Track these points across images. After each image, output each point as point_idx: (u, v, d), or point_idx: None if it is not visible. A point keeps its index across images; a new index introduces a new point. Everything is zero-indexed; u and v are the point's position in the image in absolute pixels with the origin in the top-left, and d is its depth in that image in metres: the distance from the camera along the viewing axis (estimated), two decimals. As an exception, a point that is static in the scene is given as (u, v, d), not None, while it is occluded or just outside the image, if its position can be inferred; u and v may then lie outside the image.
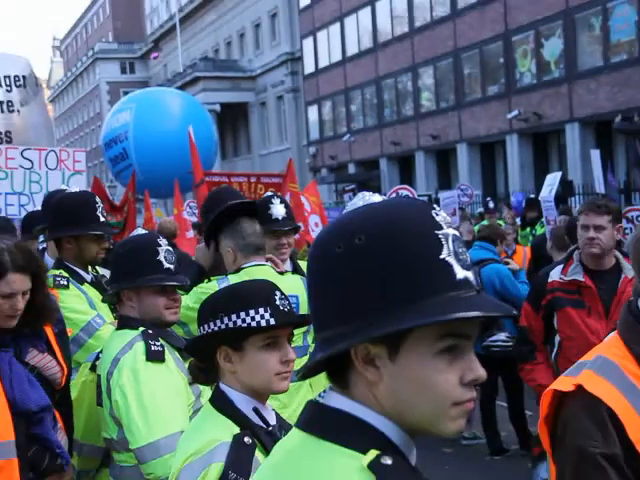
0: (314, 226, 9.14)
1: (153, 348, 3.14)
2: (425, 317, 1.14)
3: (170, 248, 3.17)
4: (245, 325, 2.33)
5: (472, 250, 8.12)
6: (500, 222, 12.26)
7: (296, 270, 4.88)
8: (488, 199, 19.94)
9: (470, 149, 33.32)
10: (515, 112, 29.81)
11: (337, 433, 1.22)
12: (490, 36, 31.11)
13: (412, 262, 1.17)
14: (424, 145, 35.54)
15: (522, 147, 30.80)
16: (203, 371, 2.52)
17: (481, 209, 19.41)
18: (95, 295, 4.43)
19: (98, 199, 4.69)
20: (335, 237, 1.25)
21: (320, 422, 1.26)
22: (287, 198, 8.58)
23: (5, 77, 13.05)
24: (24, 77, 13.54)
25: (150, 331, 3.22)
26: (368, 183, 36.16)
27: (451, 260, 1.18)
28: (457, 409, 1.20)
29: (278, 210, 5.00)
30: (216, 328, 2.36)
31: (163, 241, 3.13)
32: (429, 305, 1.16)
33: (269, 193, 6.32)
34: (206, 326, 2.39)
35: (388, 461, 1.16)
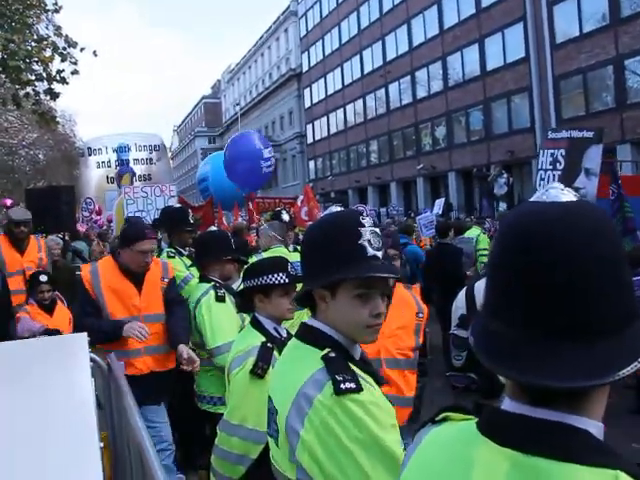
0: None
1: (219, 293, 4.15)
2: (342, 275, 1.64)
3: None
4: (271, 282, 2.96)
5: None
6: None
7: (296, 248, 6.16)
8: (409, 212, 28.37)
9: (397, 185, 43.29)
10: (421, 165, 39.23)
11: (310, 338, 1.73)
12: (408, 124, 41.49)
13: (342, 245, 1.67)
14: (372, 183, 46.30)
15: (425, 185, 40.09)
16: (245, 306, 3.18)
17: (404, 217, 23.90)
18: (187, 262, 5.36)
19: (189, 210, 6.03)
20: (310, 232, 1.85)
21: (303, 333, 1.78)
22: (305, 209, 11.66)
23: (150, 145, 21.96)
24: (159, 145, 22.62)
25: (218, 284, 4.19)
26: (341, 202, 37.27)
27: (365, 244, 1.66)
28: (369, 329, 1.70)
29: (285, 218, 7.43)
30: (255, 283, 2.99)
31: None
32: (348, 269, 1.64)
33: (278, 208, 9.33)
34: (250, 281, 3.01)
35: (332, 354, 1.63)
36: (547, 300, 0.90)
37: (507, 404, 0.98)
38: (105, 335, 4.11)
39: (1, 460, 1.57)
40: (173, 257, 5.42)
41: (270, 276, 2.96)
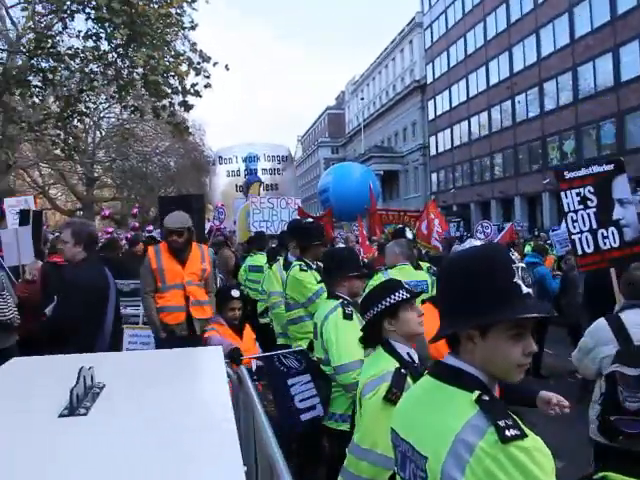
0: (437, 235, 10.44)
1: (347, 311, 4.01)
2: (501, 316, 1.59)
3: None
4: (397, 299, 2.95)
5: (529, 256, 10.53)
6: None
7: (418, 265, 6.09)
8: (534, 229, 28.60)
9: (522, 200, 43.00)
10: (547, 180, 37.44)
11: (453, 379, 1.65)
12: (534, 137, 41.05)
13: (499, 283, 1.62)
14: (495, 197, 45.70)
15: (552, 200, 38.39)
16: (374, 338, 3.03)
17: (529, 234, 24.73)
18: (317, 276, 5.47)
19: (323, 225, 6.50)
20: (455, 268, 1.75)
21: (443, 372, 1.70)
22: (425, 224, 10.70)
23: (278, 156, 24.50)
24: (286, 156, 25.31)
25: (346, 300, 4.11)
26: (463, 216, 44.79)
27: (519, 282, 1.63)
28: (520, 368, 1.65)
29: (409, 235, 7.32)
30: (381, 307, 2.98)
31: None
32: (505, 309, 1.59)
33: (400, 226, 9.06)
34: (373, 309, 3.00)
35: (486, 397, 1.56)
36: None
37: None
38: None
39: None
40: (305, 270, 5.45)
41: (392, 295, 2.96)
